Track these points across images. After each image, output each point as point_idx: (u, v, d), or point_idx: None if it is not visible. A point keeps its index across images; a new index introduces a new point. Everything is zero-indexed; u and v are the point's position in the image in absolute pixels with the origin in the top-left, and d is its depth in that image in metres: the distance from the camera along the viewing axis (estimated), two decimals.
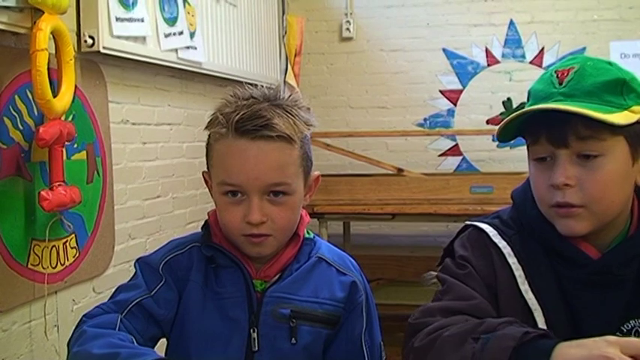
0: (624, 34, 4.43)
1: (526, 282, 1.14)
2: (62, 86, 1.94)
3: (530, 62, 4.61)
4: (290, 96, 1.25)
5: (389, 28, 4.76)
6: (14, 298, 1.90)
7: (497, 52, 4.65)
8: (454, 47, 4.70)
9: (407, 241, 4.68)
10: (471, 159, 4.68)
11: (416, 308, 1.17)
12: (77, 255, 2.17)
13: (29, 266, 1.94)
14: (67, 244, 2.11)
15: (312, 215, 3.48)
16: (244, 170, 1.17)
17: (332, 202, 3.77)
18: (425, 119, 4.74)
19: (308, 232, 1.33)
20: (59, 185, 1.93)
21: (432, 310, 1.13)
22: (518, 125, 1.17)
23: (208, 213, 1.31)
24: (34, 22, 1.82)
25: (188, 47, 2.88)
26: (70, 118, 2.08)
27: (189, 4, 2.91)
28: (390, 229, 4.68)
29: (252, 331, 1.22)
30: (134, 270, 1.29)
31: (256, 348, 1.22)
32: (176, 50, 2.79)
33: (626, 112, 1.08)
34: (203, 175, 1.31)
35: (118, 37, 2.32)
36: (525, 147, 1.19)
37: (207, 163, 1.27)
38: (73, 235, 2.14)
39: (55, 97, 1.87)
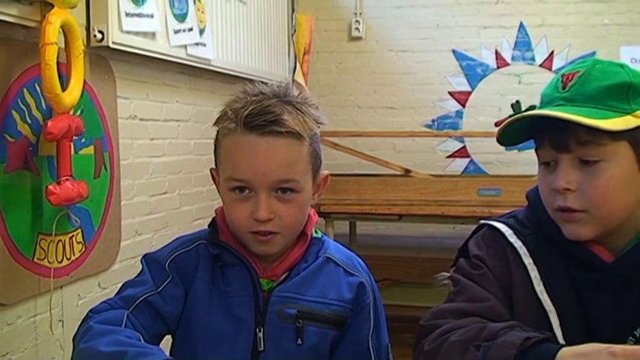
0: (635, 39, 4.40)
1: (541, 283, 1.13)
2: (71, 80, 1.94)
3: (540, 65, 4.59)
4: (300, 94, 1.24)
5: (398, 29, 4.75)
6: (20, 292, 1.90)
7: (506, 55, 4.63)
8: (463, 49, 4.68)
9: (413, 243, 4.67)
10: (479, 161, 4.66)
11: (422, 309, 1.16)
12: (83, 250, 2.17)
13: (35, 260, 1.94)
14: (74, 238, 2.11)
15: (319, 214, 3.45)
16: (252, 166, 1.16)
17: (339, 201, 3.76)
18: (433, 120, 4.73)
19: (316, 232, 1.31)
20: (66, 180, 1.93)
21: (444, 312, 1.12)
22: (524, 129, 1.17)
23: (216, 210, 1.30)
24: (44, 16, 1.82)
25: (197, 44, 2.87)
26: (78, 113, 2.08)
27: (199, 0, 2.91)
28: (396, 229, 4.67)
29: (258, 330, 1.21)
30: (140, 266, 1.28)
31: (262, 348, 1.20)
32: (185, 46, 2.78)
33: (628, 117, 1.07)
34: (211, 172, 1.29)
35: (128, 32, 2.32)
36: (533, 150, 1.19)
37: (215, 160, 1.25)
38: (80, 230, 2.14)
39: (63, 91, 1.87)
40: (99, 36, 2.20)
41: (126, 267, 2.44)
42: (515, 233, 1.20)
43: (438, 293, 1.26)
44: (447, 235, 4.43)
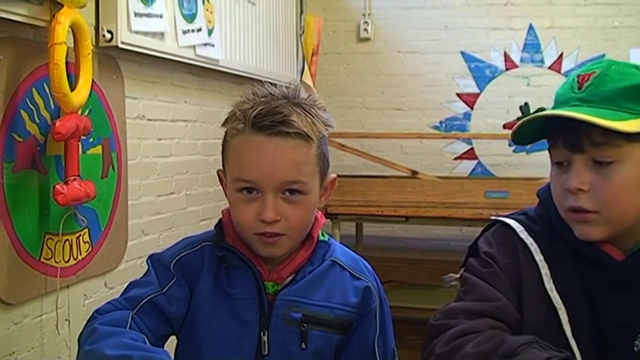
0: None
1: (551, 280, 1.13)
2: (79, 80, 1.94)
3: (549, 68, 4.57)
4: (309, 96, 1.24)
5: (407, 30, 4.74)
6: (26, 291, 1.90)
7: (515, 57, 4.62)
8: (472, 50, 4.67)
9: (420, 245, 4.66)
10: (487, 163, 4.65)
11: (428, 311, 1.16)
12: (90, 250, 2.17)
13: (42, 260, 1.94)
14: (81, 238, 2.11)
15: (325, 216, 3.46)
16: (260, 166, 1.16)
17: (345, 202, 3.76)
18: (441, 122, 4.72)
19: (323, 234, 1.31)
20: (74, 179, 1.93)
21: (455, 312, 1.12)
22: (538, 128, 1.17)
23: (222, 212, 1.30)
24: (53, 16, 1.82)
25: (206, 44, 2.87)
26: (86, 113, 2.08)
27: (208, 1, 2.91)
28: (403, 231, 4.66)
29: (262, 334, 1.20)
30: (146, 266, 1.28)
31: (266, 352, 1.20)
32: (194, 47, 2.78)
33: None
34: (218, 173, 1.29)
35: (137, 32, 2.32)
36: (542, 152, 1.20)
37: (223, 161, 1.25)
38: (87, 230, 2.14)
39: (72, 91, 1.87)
40: (108, 36, 2.20)
41: (132, 267, 2.44)
42: (526, 230, 1.20)
43: (445, 295, 1.26)
44: (453, 238, 4.42)
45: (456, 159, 4.70)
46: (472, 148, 4.68)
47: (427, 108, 4.73)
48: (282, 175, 1.16)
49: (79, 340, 1.16)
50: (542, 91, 4.48)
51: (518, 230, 1.20)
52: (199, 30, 2.81)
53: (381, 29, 4.78)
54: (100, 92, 2.21)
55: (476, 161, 4.68)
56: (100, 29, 2.20)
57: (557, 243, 1.17)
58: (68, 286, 2.10)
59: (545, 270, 1.15)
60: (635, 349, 1.08)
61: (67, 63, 1.81)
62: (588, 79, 1.12)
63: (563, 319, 1.10)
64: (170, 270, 1.24)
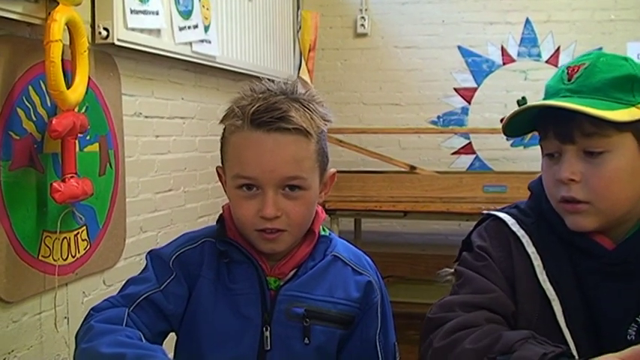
0: None
1: (544, 272, 1.14)
2: (76, 78, 1.94)
3: (546, 61, 4.57)
4: (307, 91, 1.23)
5: (404, 25, 4.74)
6: (25, 289, 1.90)
7: (512, 51, 4.62)
8: (469, 45, 4.67)
9: (418, 239, 4.67)
10: (485, 157, 4.65)
11: (427, 306, 1.16)
12: (88, 247, 2.17)
13: (40, 258, 1.94)
14: (79, 236, 2.11)
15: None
16: (260, 163, 1.16)
17: (344, 198, 3.76)
18: (438, 117, 4.72)
19: (324, 230, 1.31)
20: (71, 177, 1.93)
21: (452, 305, 1.12)
22: (529, 121, 1.18)
23: (223, 207, 1.30)
24: (49, 13, 1.81)
25: (202, 41, 2.87)
26: (83, 110, 2.08)
27: None
28: (401, 226, 4.66)
29: (264, 329, 1.20)
30: (145, 262, 1.28)
31: (269, 347, 1.20)
32: (190, 44, 2.78)
33: (632, 109, 1.08)
34: (217, 170, 1.29)
35: (133, 29, 2.32)
36: (539, 147, 1.20)
37: (222, 157, 1.25)
38: (85, 228, 2.14)
39: (68, 88, 1.87)
40: (104, 33, 2.19)
41: (131, 264, 2.44)
42: (518, 223, 1.20)
43: (443, 290, 1.26)
44: (452, 232, 4.42)
45: (453, 154, 4.71)
46: (470, 143, 4.68)
47: (425, 103, 4.73)
48: (282, 171, 1.16)
49: (76, 338, 1.16)
50: (539, 85, 4.43)
51: (510, 223, 1.21)
52: (196, 27, 2.80)
53: (378, 24, 4.77)
54: (97, 90, 2.21)
55: (474, 156, 4.68)
56: (96, 26, 2.20)
57: (549, 235, 1.18)
58: (67, 284, 2.10)
59: (537, 262, 1.15)
60: (629, 337, 1.08)
61: (63, 60, 1.81)
62: (578, 70, 1.13)
63: (556, 310, 1.11)
64: (169, 266, 1.24)
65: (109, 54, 2.31)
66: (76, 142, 1.98)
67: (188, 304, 1.23)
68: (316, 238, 1.27)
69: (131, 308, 1.18)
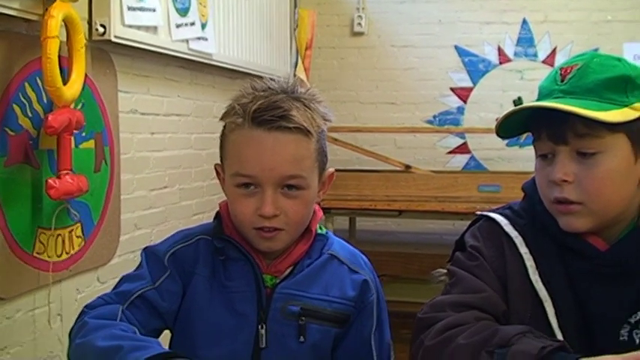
0: (638, 36, 4.39)
1: (537, 272, 1.14)
2: (72, 74, 1.94)
3: (543, 62, 4.58)
4: (308, 90, 1.23)
5: (400, 24, 4.74)
6: (19, 286, 1.90)
7: (509, 51, 4.63)
8: (466, 44, 4.68)
9: (413, 239, 4.67)
10: (480, 157, 4.66)
11: (421, 305, 1.16)
12: (82, 244, 2.17)
13: (34, 254, 1.94)
14: (73, 232, 2.11)
15: None
16: (260, 161, 1.15)
17: (339, 197, 3.76)
18: (434, 116, 4.72)
19: (320, 228, 1.31)
20: (67, 174, 1.93)
21: (442, 304, 1.12)
22: (523, 122, 1.18)
23: (220, 204, 1.30)
24: (46, 9, 1.81)
25: (199, 38, 2.87)
26: (79, 107, 2.07)
27: None
28: (396, 225, 4.67)
29: (260, 327, 1.20)
30: (140, 259, 1.28)
31: (264, 345, 1.20)
32: (187, 41, 2.77)
33: (625, 110, 1.08)
34: (215, 167, 1.28)
35: (130, 26, 2.31)
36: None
37: (221, 155, 1.25)
38: (79, 224, 2.14)
39: (64, 84, 1.87)
40: (101, 30, 2.19)
41: (125, 261, 2.44)
42: (511, 223, 1.21)
43: (437, 290, 1.26)
44: (446, 232, 4.43)
45: (449, 153, 4.71)
46: (465, 143, 4.69)
47: (421, 102, 4.73)
48: (282, 169, 1.16)
49: (69, 335, 1.15)
50: (535, 85, 4.32)
51: (503, 224, 1.21)
52: (193, 24, 2.80)
53: (375, 23, 4.77)
54: (93, 86, 2.21)
55: (469, 155, 4.69)
56: (93, 23, 2.19)
57: (542, 236, 1.18)
58: (60, 281, 2.09)
59: (530, 262, 1.15)
60: (621, 338, 1.09)
61: (59, 57, 1.81)
62: (571, 71, 1.13)
63: (549, 311, 1.11)
64: (164, 263, 1.24)
65: (106, 51, 2.30)
66: (72, 138, 1.98)
67: (183, 301, 1.23)
68: (313, 236, 1.27)
69: (125, 305, 1.18)
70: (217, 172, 1.29)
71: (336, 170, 1.30)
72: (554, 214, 1.15)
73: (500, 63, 4.65)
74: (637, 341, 1.08)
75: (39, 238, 1.95)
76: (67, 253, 2.08)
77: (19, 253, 1.87)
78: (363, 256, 1.33)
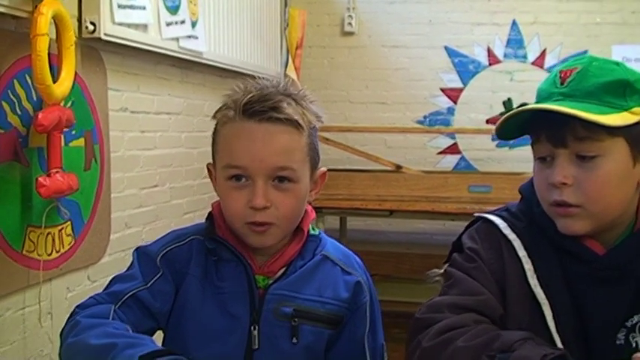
0: (626, 38, 4.42)
1: (535, 275, 1.14)
2: (62, 72, 1.93)
3: (532, 63, 4.60)
4: (300, 90, 1.24)
5: (391, 24, 4.75)
6: (8, 284, 1.88)
7: (499, 52, 4.65)
8: (456, 45, 4.69)
9: (403, 238, 4.68)
10: (470, 158, 4.67)
11: (412, 305, 1.16)
12: (73, 242, 2.16)
13: (24, 253, 1.93)
14: (63, 231, 2.10)
15: None
16: (250, 152, 1.15)
17: (330, 196, 3.76)
18: (425, 117, 4.73)
19: (313, 229, 1.30)
20: (57, 172, 1.92)
21: (440, 306, 1.12)
22: (521, 124, 1.17)
23: (212, 204, 1.29)
24: (35, 6, 1.80)
25: (189, 36, 2.86)
26: (68, 105, 2.06)
27: None
28: (386, 225, 4.67)
29: (252, 328, 1.20)
30: (131, 259, 1.27)
31: (256, 346, 1.19)
32: (177, 39, 2.77)
33: (624, 114, 1.08)
34: (207, 167, 1.28)
35: (120, 24, 2.30)
36: (525, 147, 1.21)
37: (213, 151, 1.24)
38: (69, 223, 2.13)
39: (54, 82, 1.86)
40: (90, 27, 2.18)
41: (115, 260, 2.43)
42: (509, 226, 1.20)
43: (428, 289, 1.26)
44: (437, 232, 4.44)
45: (439, 153, 4.72)
46: (455, 143, 4.70)
47: (411, 102, 4.74)
48: (272, 160, 1.16)
49: (61, 335, 1.14)
50: (525, 87, 4.50)
51: (501, 226, 1.20)
52: (183, 22, 2.79)
53: (366, 23, 4.78)
54: (83, 84, 2.19)
55: (459, 156, 4.70)
56: (83, 20, 2.18)
57: (540, 238, 1.17)
58: (51, 279, 2.08)
59: (528, 265, 1.15)
60: (618, 341, 1.09)
61: (49, 54, 1.80)
62: (571, 74, 1.13)
63: (547, 314, 1.11)
64: (156, 263, 1.23)
65: (96, 48, 2.29)
66: (62, 136, 1.97)
67: (175, 301, 1.23)
68: (305, 236, 1.27)
69: (117, 305, 1.17)
70: (209, 171, 1.28)
71: (327, 169, 1.30)
72: (553, 217, 1.15)
73: (490, 64, 4.66)
74: (633, 345, 1.08)
75: (29, 236, 1.94)
76: (57, 252, 2.07)
77: (8, 252, 1.86)
78: (357, 258, 1.32)
